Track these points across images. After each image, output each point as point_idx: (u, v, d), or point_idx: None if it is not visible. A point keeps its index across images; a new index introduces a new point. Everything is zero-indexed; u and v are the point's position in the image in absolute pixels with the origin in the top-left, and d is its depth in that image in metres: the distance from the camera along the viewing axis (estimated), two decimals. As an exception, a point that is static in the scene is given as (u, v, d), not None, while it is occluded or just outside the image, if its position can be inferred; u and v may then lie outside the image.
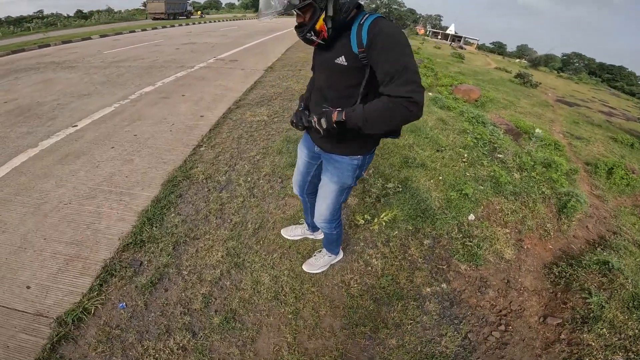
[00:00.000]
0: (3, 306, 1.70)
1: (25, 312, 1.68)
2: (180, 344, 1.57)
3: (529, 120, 6.59)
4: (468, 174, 3.21)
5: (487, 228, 2.50)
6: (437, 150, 3.61)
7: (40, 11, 27.89)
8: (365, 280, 1.96)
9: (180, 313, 1.70)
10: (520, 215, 2.78)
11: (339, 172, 1.45)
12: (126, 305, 1.73)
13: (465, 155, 3.56)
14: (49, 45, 10.56)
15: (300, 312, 1.76)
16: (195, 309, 1.73)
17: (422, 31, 50.13)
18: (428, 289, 1.98)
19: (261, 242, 2.16)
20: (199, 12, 35.95)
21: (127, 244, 2.07)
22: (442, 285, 2.01)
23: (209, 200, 2.51)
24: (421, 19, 64.58)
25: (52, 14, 26.59)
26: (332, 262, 2.02)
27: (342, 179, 1.47)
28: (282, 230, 2.22)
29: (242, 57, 7.96)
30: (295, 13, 1.17)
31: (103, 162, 2.96)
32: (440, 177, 3.05)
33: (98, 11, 26.55)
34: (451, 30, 54.29)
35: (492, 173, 3.26)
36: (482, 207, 2.78)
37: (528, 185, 3.23)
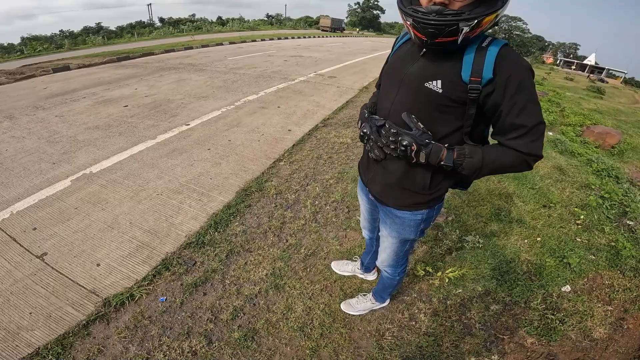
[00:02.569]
0: (69, 278, 1.97)
1: (84, 288, 1.90)
2: (193, 348, 1.62)
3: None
4: (579, 240, 2.57)
5: (583, 303, 2.01)
6: (544, 206, 2.97)
7: (193, 15, 34.21)
8: (403, 335, 1.73)
9: (207, 319, 1.76)
10: (634, 294, 2.13)
11: (399, 227, 1.26)
12: (166, 299, 1.85)
13: (582, 217, 2.85)
14: (192, 48, 12.74)
15: (319, 350, 1.64)
16: (222, 319, 1.77)
17: (551, 60, 43.71)
18: (472, 359, 1.64)
19: (308, 270, 2.10)
20: (357, 29, 44.73)
21: (190, 243, 2.24)
22: (493, 357, 1.66)
23: (272, 216, 2.56)
24: (551, 47, 56.20)
25: (200, 18, 32.41)
26: (374, 308, 1.84)
27: (402, 235, 1.28)
28: (332, 263, 2.11)
29: (340, 74, 8.15)
30: None
31: (197, 161, 3.34)
32: (539, 239, 2.51)
33: (232, 19, 31.23)
34: (590, 60, 45.90)
35: (613, 243, 2.54)
36: (586, 279, 2.22)
37: (659, 261, 2.41)
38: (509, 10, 0.95)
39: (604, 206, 3.06)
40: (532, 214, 2.81)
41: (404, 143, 0.95)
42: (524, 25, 41.62)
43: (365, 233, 1.70)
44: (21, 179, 3.02)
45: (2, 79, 7.52)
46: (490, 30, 0.94)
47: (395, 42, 1.20)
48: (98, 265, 2.06)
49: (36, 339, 1.62)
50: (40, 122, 4.52)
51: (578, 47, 63.73)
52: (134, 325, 1.70)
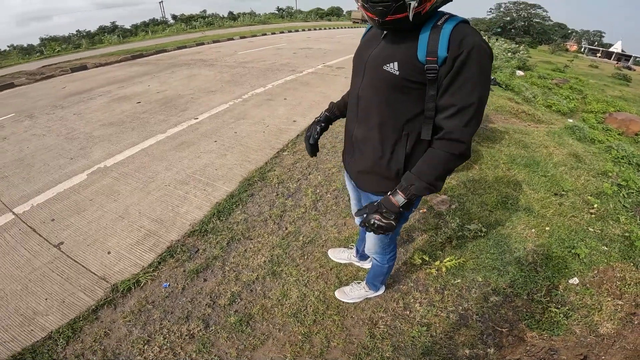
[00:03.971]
0: (83, 265, 2.08)
1: (95, 274, 2.00)
2: (191, 332, 1.68)
3: None
4: (591, 230, 2.45)
5: (592, 296, 1.92)
6: (555, 194, 2.87)
7: (204, 11, 34.54)
8: (396, 324, 1.72)
9: (206, 304, 1.82)
10: (647, 287, 2.02)
11: None
12: (169, 285, 1.93)
13: (596, 205, 2.73)
14: (203, 44, 12.89)
15: (312, 336, 1.66)
16: (220, 304, 1.82)
17: (575, 47, 41.93)
18: (466, 351, 1.61)
19: (305, 257, 2.12)
20: None
21: (194, 231, 2.31)
22: (489, 350, 1.62)
23: (273, 204, 2.60)
24: (574, 34, 53.95)
25: (212, 14, 32.74)
26: (369, 297, 1.84)
27: None
28: (329, 251, 2.13)
29: (349, 64, 7.79)
30: None
31: (204, 153, 3.41)
32: (548, 228, 2.43)
33: (244, 13, 31.39)
34: (616, 48, 43.95)
35: (627, 233, 2.43)
36: (596, 271, 2.12)
37: (676, 253, 2.29)
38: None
39: (621, 194, 2.91)
40: (541, 202, 2.72)
41: (372, 222, 1.04)
42: (544, 13, 40.16)
43: (356, 220, 1.70)
44: (41, 174, 3.19)
45: (23, 79, 7.88)
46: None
47: (365, 30, 1.21)
48: (109, 253, 2.16)
49: (50, 323, 1.72)
50: (59, 120, 4.73)
51: (603, 34, 60.90)
52: (138, 310, 1.79)
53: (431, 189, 0.98)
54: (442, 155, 0.95)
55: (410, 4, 0.82)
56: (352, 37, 16.02)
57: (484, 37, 0.94)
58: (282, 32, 18.05)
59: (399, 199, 1.00)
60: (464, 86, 0.88)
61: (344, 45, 11.86)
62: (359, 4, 0.92)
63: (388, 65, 0.95)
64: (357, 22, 32.54)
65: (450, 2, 0.92)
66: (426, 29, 0.89)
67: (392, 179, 1.11)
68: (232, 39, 14.47)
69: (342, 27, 25.13)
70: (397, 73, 0.94)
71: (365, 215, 1.07)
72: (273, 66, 7.79)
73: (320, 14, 43.12)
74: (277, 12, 39.77)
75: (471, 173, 3.07)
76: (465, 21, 0.89)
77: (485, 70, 0.88)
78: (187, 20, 27.87)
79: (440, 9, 0.92)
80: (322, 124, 1.39)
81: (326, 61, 8.39)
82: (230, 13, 34.07)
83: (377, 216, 1.03)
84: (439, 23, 0.88)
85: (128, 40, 19.02)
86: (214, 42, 13.48)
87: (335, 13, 46.48)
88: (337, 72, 7.16)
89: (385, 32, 1.00)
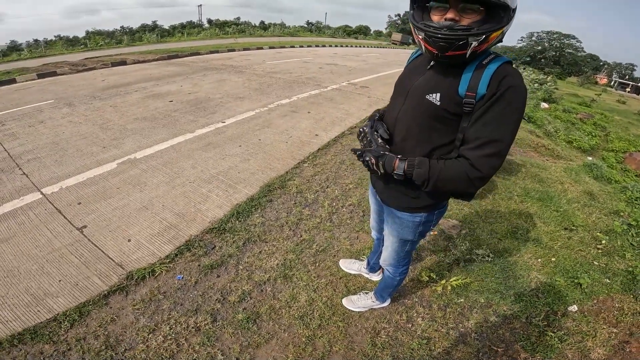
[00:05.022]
0: (102, 250, 2.17)
1: (112, 260, 2.08)
2: (197, 325, 1.74)
3: None
4: (596, 263, 2.51)
5: (588, 323, 1.98)
6: (565, 229, 2.91)
7: (238, 18, 36.26)
8: (397, 336, 1.79)
9: (216, 299, 1.89)
10: (643, 318, 2.06)
11: (398, 227, 1.36)
12: (182, 278, 2.01)
13: (604, 242, 2.78)
14: (234, 50, 13.45)
15: (315, 339, 1.73)
16: (229, 301, 1.90)
17: (604, 80, 40.97)
18: None
19: (317, 264, 2.22)
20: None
21: (213, 228, 2.44)
22: None
23: (291, 212, 2.73)
24: (606, 66, 52.96)
25: (244, 22, 34.35)
26: (374, 307, 1.92)
27: (401, 234, 1.38)
28: (340, 261, 2.23)
29: (373, 84, 8.20)
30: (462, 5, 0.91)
31: (228, 156, 3.61)
32: (554, 259, 2.49)
33: (274, 24, 32.64)
34: None
35: (631, 268, 2.47)
36: (595, 301, 2.18)
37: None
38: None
39: (630, 233, 2.94)
40: (551, 235, 2.77)
41: (366, 159, 1.13)
42: (577, 44, 39.62)
43: (373, 233, 1.81)
44: (74, 158, 3.42)
45: (66, 69, 8.41)
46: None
47: (410, 57, 1.31)
48: (129, 241, 2.26)
49: (58, 305, 1.75)
50: (96, 110, 5.06)
51: (635, 67, 59.40)
52: (149, 299, 1.85)
53: (425, 183, 1.04)
54: (459, 170, 1.01)
55: (471, 43, 0.90)
56: (377, 56, 16.33)
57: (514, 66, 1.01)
58: (310, 46, 18.56)
59: (401, 166, 1.07)
60: (492, 122, 0.95)
61: (369, 65, 12.12)
62: (420, 37, 0.97)
63: (431, 95, 1.03)
64: (396, 44, 35.99)
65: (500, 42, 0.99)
66: (471, 67, 0.97)
67: (414, 197, 1.22)
68: (261, 49, 15.01)
69: (368, 46, 25.58)
70: (438, 103, 1.02)
71: (365, 148, 1.14)
72: (299, 79, 8.06)
73: (348, 32, 44.15)
74: (306, 25, 41.04)
75: (484, 202, 3.14)
76: (509, 62, 0.97)
77: (516, 111, 0.95)
78: (221, 26, 29.12)
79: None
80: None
81: (351, 79, 8.61)
82: (262, 23, 35.48)
83: (374, 160, 1.10)
84: (484, 62, 0.96)
85: (165, 40, 19.97)
86: (245, 49, 14.04)
87: (362, 32, 47.45)
88: (361, 90, 7.34)
89: (432, 63, 1.08)
